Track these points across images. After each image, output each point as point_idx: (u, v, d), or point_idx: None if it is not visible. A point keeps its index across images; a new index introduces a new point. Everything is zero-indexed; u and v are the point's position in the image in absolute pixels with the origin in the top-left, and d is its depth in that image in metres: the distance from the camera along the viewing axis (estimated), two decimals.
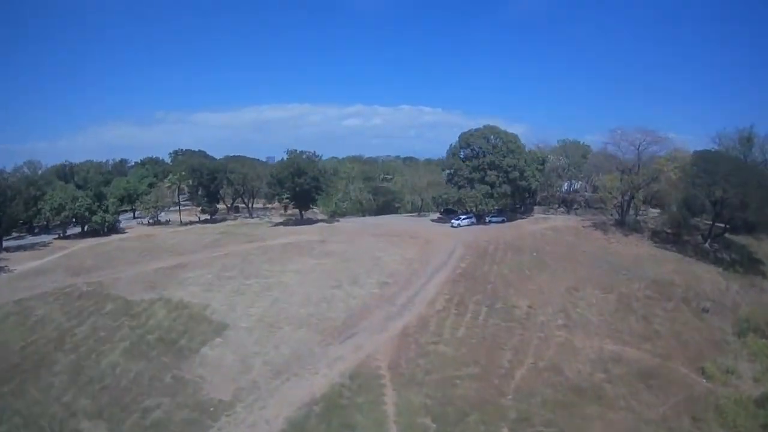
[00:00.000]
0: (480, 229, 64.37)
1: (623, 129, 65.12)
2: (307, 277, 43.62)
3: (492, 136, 68.77)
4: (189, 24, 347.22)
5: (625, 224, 61.79)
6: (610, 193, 61.07)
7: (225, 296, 39.83)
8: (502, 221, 68.75)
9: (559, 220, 68.40)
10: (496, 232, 60.79)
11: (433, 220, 76.17)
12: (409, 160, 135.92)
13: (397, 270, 44.88)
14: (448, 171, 74.11)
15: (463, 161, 69.83)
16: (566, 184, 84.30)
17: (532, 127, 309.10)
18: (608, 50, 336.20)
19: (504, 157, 66.52)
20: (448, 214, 75.06)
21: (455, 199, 69.05)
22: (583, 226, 62.58)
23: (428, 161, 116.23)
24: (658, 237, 58.69)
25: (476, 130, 70.28)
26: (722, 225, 58.27)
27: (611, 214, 65.58)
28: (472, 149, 69.54)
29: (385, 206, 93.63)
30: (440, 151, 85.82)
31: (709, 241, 56.18)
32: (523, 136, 72.33)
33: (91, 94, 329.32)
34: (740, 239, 59.30)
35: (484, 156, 67.57)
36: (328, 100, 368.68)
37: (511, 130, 70.56)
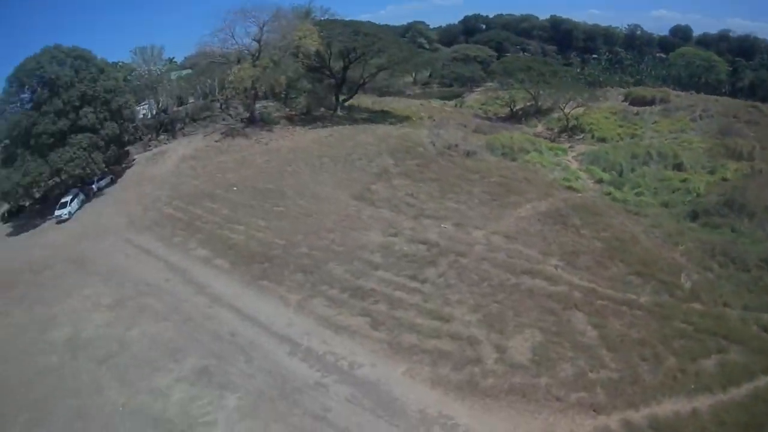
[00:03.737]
0: (99, 207, 45.32)
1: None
2: None
3: (65, 57, 47.94)
4: None
5: (257, 121, 57.86)
6: (241, 87, 53.79)
7: None
8: (111, 181, 50.54)
9: (181, 148, 54.43)
10: (127, 198, 45.30)
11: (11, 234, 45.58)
12: None
13: None
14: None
15: (37, 110, 45.82)
16: (143, 107, 68.31)
17: None
18: None
19: (95, 82, 48.02)
20: (14, 216, 50.41)
21: (34, 180, 45.88)
22: (216, 141, 53.83)
23: None
24: (295, 120, 59.43)
25: (36, 55, 47.57)
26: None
27: (230, 116, 61.90)
28: (42, 87, 46.43)
29: None
30: None
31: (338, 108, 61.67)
32: None
33: None
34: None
35: (69, 88, 46.06)
36: None
37: None
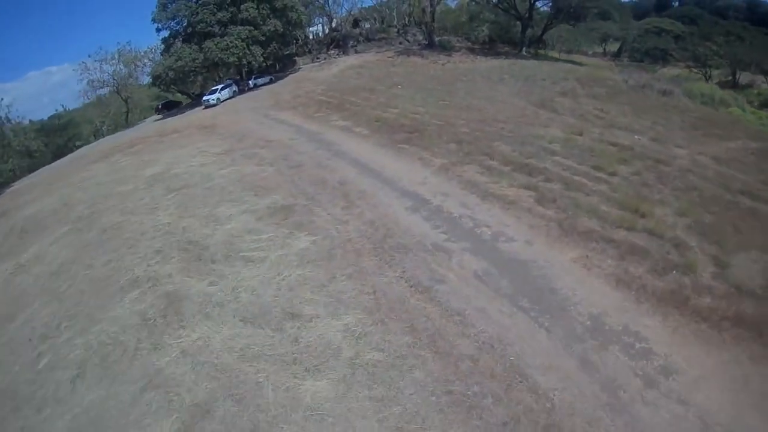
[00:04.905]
0: (250, 96, 42.60)
1: None
2: None
3: None
4: None
5: (435, 46, 52.49)
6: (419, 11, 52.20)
7: None
8: (270, 81, 48.10)
9: (350, 60, 50.50)
10: (281, 91, 40.87)
11: (158, 120, 47.65)
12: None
13: None
14: (163, 33, 48.93)
15: (198, 3, 44.98)
16: (317, 26, 66.14)
17: None
18: None
19: None
20: (170, 109, 52.04)
21: (186, 65, 44.14)
22: (389, 57, 48.96)
23: None
24: (476, 51, 51.80)
25: None
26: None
27: (407, 41, 56.53)
28: None
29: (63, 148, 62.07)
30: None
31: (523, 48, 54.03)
32: None
33: None
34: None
35: None
36: None
37: None
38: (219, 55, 43.14)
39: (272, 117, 31.46)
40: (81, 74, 55.02)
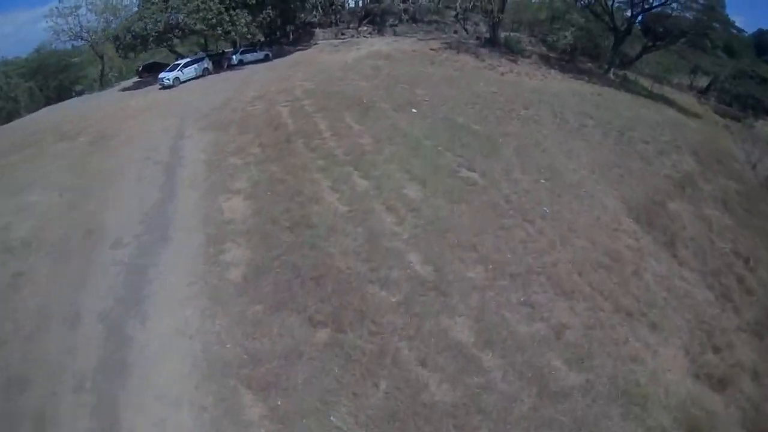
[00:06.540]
0: (219, 81, 31.78)
1: None
2: None
3: None
4: None
5: (499, 44, 40.06)
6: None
7: None
8: (265, 58, 37.19)
9: (380, 43, 38.03)
10: (259, 80, 29.42)
11: (124, 89, 37.63)
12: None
13: None
14: None
15: None
16: None
17: None
18: None
19: None
20: (152, 72, 39.83)
21: (147, 28, 33.31)
22: (432, 49, 35.96)
23: None
24: (551, 62, 38.96)
25: None
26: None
27: (465, 30, 44.57)
28: None
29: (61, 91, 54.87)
30: None
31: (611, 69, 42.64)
32: None
33: None
34: None
35: None
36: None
37: None
38: (184, 19, 30.83)
39: (182, 143, 19.84)
40: (48, 21, 44.32)
